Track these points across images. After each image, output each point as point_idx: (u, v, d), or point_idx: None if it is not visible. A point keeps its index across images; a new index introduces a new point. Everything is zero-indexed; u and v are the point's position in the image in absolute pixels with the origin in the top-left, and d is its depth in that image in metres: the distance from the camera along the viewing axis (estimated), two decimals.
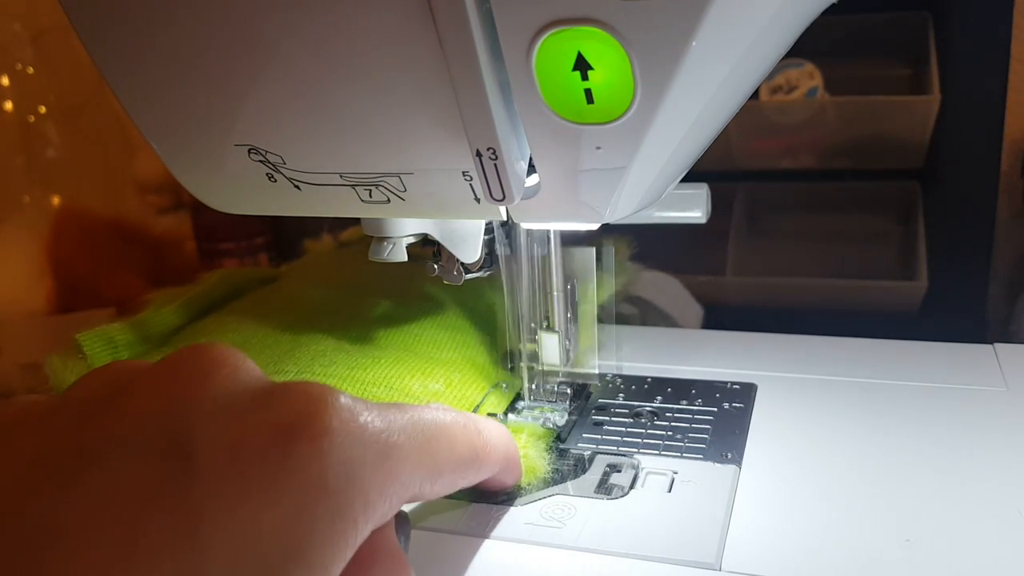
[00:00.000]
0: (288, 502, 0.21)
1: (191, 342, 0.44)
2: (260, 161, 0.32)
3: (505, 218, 0.33)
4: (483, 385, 0.43)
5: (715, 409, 0.43)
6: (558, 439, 0.41)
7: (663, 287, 0.65)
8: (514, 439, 0.35)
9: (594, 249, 0.43)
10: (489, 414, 0.40)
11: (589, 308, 0.46)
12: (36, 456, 0.22)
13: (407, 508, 0.32)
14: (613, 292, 0.49)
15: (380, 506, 0.24)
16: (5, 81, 0.70)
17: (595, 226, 0.34)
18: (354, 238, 0.59)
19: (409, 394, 0.40)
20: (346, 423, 0.23)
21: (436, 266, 0.40)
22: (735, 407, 0.43)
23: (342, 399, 0.24)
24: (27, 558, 0.19)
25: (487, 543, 0.34)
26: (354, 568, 0.23)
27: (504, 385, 0.44)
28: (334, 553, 0.22)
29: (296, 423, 0.23)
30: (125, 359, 0.41)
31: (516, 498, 0.36)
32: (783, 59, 0.34)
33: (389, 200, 0.32)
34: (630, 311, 0.61)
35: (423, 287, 0.48)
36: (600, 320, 0.47)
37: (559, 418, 0.41)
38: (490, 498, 0.36)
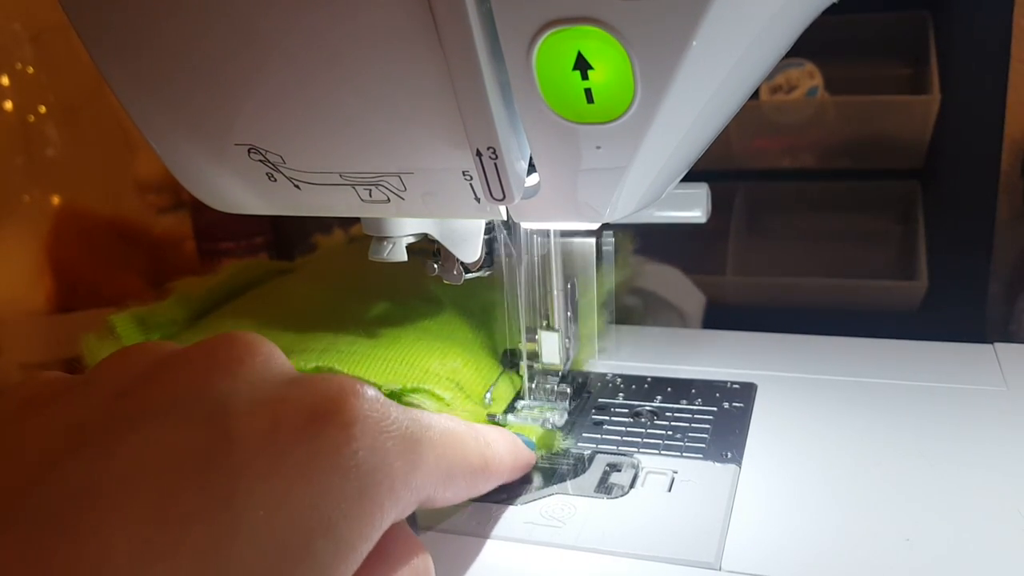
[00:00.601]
0: (320, 479, 0.22)
1: (218, 325, 0.46)
2: (260, 161, 0.32)
3: (505, 218, 0.33)
4: (496, 367, 0.44)
5: (715, 408, 0.43)
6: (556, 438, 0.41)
7: (666, 278, 0.65)
8: (521, 444, 0.36)
9: (593, 241, 0.43)
10: (489, 415, 0.40)
11: (590, 302, 0.47)
12: (73, 423, 0.23)
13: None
14: (613, 288, 0.49)
15: (404, 496, 0.25)
16: (5, 81, 0.70)
17: (595, 226, 0.34)
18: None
19: (428, 371, 0.41)
20: (375, 413, 0.25)
21: (436, 265, 0.40)
22: (735, 406, 0.43)
23: (371, 392, 0.25)
24: (64, 518, 0.20)
25: (487, 543, 0.34)
26: (373, 556, 0.24)
27: (516, 369, 0.44)
28: (361, 530, 0.23)
29: (329, 409, 0.24)
30: (155, 340, 0.43)
31: (517, 497, 0.36)
32: (783, 59, 0.34)
33: (389, 200, 0.32)
34: (634, 303, 0.61)
35: (428, 284, 0.49)
36: (601, 317, 0.48)
37: (558, 418, 0.41)
38: (490, 497, 0.36)
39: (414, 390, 0.40)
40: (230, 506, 0.21)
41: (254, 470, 0.22)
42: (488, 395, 0.43)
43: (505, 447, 0.33)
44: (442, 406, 0.39)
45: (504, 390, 0.43)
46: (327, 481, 0.23)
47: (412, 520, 0.30)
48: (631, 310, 0.61)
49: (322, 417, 0.23)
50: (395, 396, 0.40)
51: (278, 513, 0.21)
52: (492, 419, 0.40)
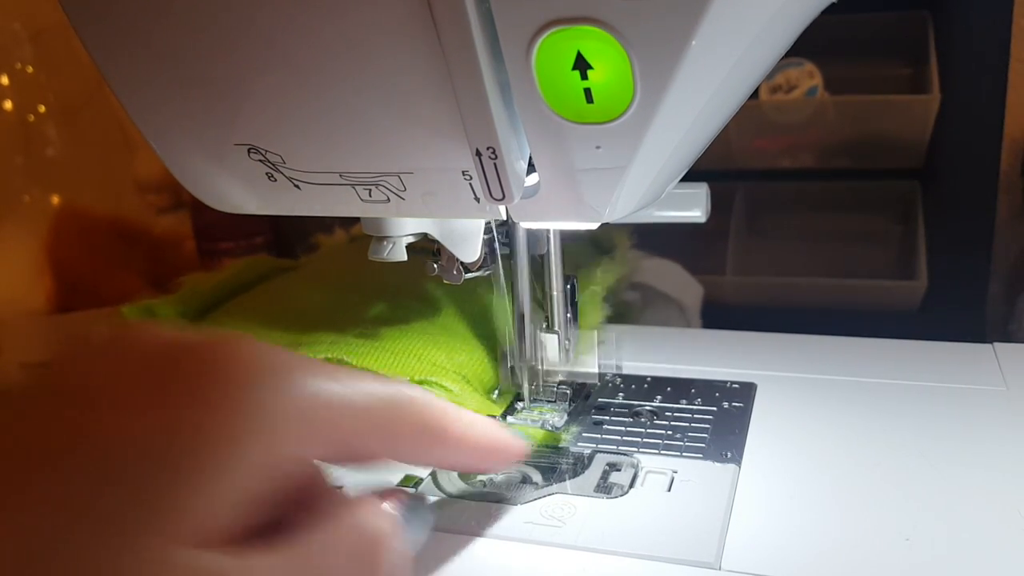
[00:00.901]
0: (197, 409, 0.22)
1: (226, 318, 0.47)
2: (260, 160, 0.32)
3: (505, 217, 0.33)
4: (497, 365, 0.44)
5: (715, 408, 0.43)
6: (557, 439, 0.41)
7: (664, 271, 0.65)
8: (503, 432, 0.35)
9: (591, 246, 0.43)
10: (489, 416, 0.40)
11: (590, 297, 0.47)
12: None
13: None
14: (613, 284, 0.49)
15: (295, 437, 0.23)
16: (5, 80, 0.70)
17: (595, 225, 0.34)
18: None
19: (436, 364, 0.41)
20: (264, 356, 0.24)
21: (436, 265, 0.40)
22: (735, 406, 0.43)
23: (261, 343, 0.24)
24: None
25: (487, 543, 0.34)
26: (293, 505, 0.23)
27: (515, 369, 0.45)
28: (239, 460, 0.22)
29: (216, 349, 0.23)
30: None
31: (517, 497, 0.36)
32: (783, 58, 0.34)
33: (389, 199, 0.32)
34: (633, 297, 0.61)
35: (428, 284, 0.49)
36: (600, 312, 0.48)
37: (558, 419, 0.41)
38: (490, 497, 0.36)
39: (422, 382, 0.40)
40: (95, 436, 0.21)
41: (120, 402, 0.22)
42: (496, 392, 0.43)
43: (482, 424, 0.31)
44: (452, 398, 0.40)
45: (504, 391, 0.44)
46: (205, 409, 0.22)
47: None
48: (630, 304, 0.61)
49: (204, 356, 0.23)
50: None
51: (144, 440, 0.21)
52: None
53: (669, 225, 0.44)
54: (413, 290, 0.48)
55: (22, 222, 0.72)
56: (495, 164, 0.29)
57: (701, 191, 0.43)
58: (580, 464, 0.39)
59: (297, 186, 0.33)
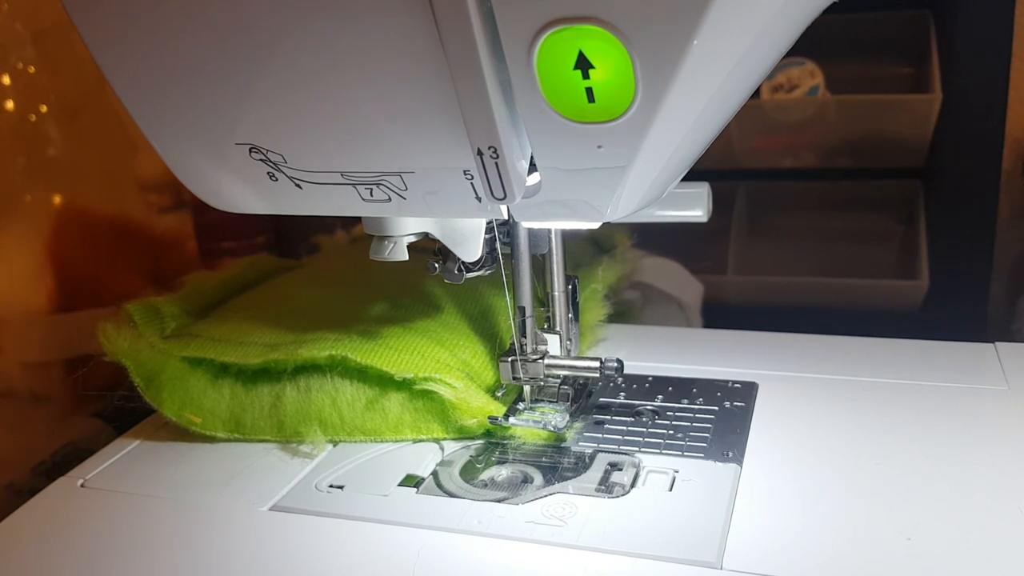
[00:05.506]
0: None
1: (228, 316, 0.47)
2: (261, 160, 0.32)
3: (506, 217, 0.33)
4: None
5: (716, 408, 0.43)
6: (559, 438, 0.41)
7: (664, 270, 0.65)
8: None
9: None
10: (491, 418, 0.40)
11: (592, 294, 0.47)
12: None
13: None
14: (613, 282, 0.49)
15: None
16: (6, 80, 0.70)
17: (596, 225, 0.34)
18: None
19: (440, 361, 0.41)
20: None
21: (437, 265, 0.40)
22: (736, 406, 0.43)
23: None
24: None
25: (488, 542, 0.34)
26: None
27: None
28: None
29: None
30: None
31: (518, 497, 0.36)
32: (784, 58, 0.34)
33: (390, 199, 0.32)
34: (633, 296, 0.61)
35: (429, 283, 0.49)
36: (601, 309, 0.48)
37: (559, 420, 0.41)
38: (491, 497, 0.36)
39: (426, 379, 0.40)
40: None
41: None
42: (501, 391, 0.43)
43: None
44: (456, 395, 0.40)
45: (507, 390, 0.44)
46: None
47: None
48: (631, 303, 0.61)
49: None
50: (408, 384, 0.40)
51: None
52: (494, 421, 0.40)
53: (670, 224, 0.44)
54: (415, 289, 0.48)
55: (23, 222, 0.72)
56: (496, 163, 0.29)
57: (703, 191, 0.43)
58: (581, 464, 0.39)
59: (298, 185, 0.33)
